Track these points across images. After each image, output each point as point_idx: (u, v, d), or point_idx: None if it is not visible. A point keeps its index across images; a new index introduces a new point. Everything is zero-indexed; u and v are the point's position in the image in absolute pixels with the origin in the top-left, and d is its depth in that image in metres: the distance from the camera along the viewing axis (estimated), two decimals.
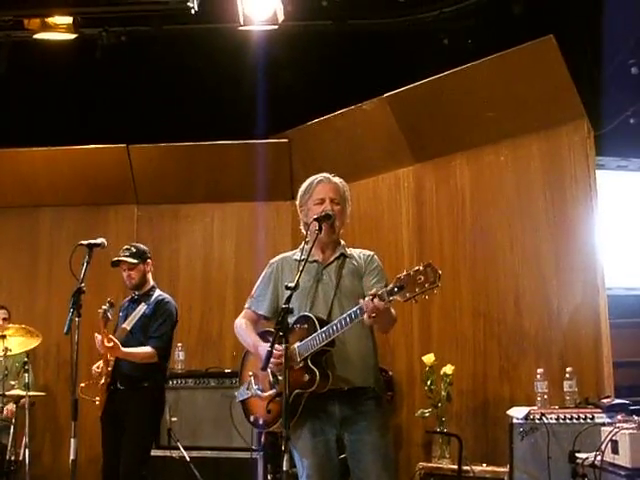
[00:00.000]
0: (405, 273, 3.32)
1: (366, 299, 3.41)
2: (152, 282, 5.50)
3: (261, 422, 3.88)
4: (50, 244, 7.35)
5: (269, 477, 5.78)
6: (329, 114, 6.53)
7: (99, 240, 4.40)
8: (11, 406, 6.09)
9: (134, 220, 7.36)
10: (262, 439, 5.77)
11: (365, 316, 3.42)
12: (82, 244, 4.34)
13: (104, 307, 5.01)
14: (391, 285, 3.38)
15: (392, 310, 3.63)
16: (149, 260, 5.43)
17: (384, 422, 3.81)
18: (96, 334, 4.97)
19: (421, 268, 3.28)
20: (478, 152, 5.85)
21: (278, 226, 7.17)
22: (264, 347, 3.71)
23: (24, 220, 7.44)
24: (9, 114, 7.07)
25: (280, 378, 3.69)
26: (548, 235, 5.42)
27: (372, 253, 3.97)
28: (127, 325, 5.31)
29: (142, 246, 5.51)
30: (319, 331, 3.60)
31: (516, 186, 5.63)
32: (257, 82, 7.02)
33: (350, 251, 3.96)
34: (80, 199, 7.32)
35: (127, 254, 5.31)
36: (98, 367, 5.15)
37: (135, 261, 5.32)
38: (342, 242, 3.96)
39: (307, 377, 3.62)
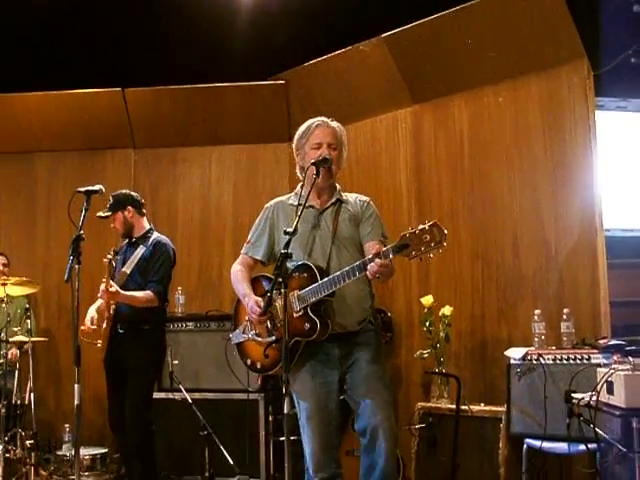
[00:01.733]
0: (410, 231, 3.32)
1: (369, 259, 3.44)
2: (148, 225, 5.51)
3: (259, 366, 3.96)
4: (47, 190, 7.34)
5: (270, 418, 5.88)
6: (326, 55, 6.45)
7: (97, 187, 4.38)
8: (14, 351, 6.16)
9: (131, 164, 7.33)
10: (259, 381, 5.84)
11: (368, 274, 3.46)
12: (80, 191, 4.32)
13: (109, 256, 5.05)
14: (395, 243, 3.39)
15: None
16: (129, 207, 5.41)
17: (378, 346, 3.89)
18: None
19: (427, 227, 3.28)
20: (477, 93, 5.79)
21: (276, 168, 7.15)
22: (252, 300, 3.81)
23: (20, 166, 7.41)
24: (1, 59, 6.97)
25: (278, 325, 3.75)
26: (546, 176, 5.40)
27: (368, 199, 3.98)
28: (127, 269, 5.36)
29: (121, 193, 5.49)
30: (322, 281, 3.65)
31: (515, 127, 5.59)
32: (254, 23, 6.93)
33: (346, 196, 3.97)
34: (76, 144, 7.27)
35: (107, 206, 5.35)
36: (91, 322, 5.19)
37: (108, 213, 5.37)
38: (338, 187, 3.98)
39: (307, 326, 3.69)
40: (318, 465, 3.75)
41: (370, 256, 3.45)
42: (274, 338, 3.79)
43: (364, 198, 3.98)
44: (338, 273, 3.60)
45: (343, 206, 3.92)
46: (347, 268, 3.56)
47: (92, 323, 5.18)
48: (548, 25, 5.23)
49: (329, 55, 6.43)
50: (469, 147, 5.85)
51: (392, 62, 6.05)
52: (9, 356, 6.01)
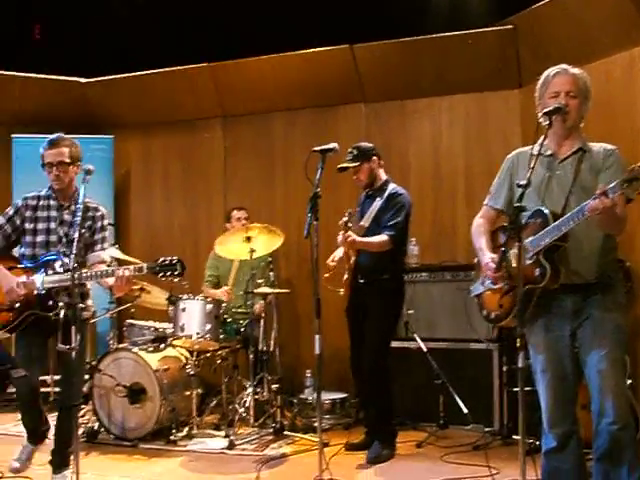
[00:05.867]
0: (639, 165, 3.20)
1: (594, 197, 3.34)
2: (385, 176, 5.63)
3: (493, 317, 3.97)
4: (284, 147, 7.70)
5: (505, 368, 5.89)
6: None
7: (331, 145, 4.53)
8: (260, 307, 6.57)
9: (362, 118, 7.48)
10: (494, 332, 5.84)
11: (587, 211, 3.36)
12: (315, 150, 4.49)
13: (344, 219, 5.24)
14: (621, 178, 3.27)
15: (620, 209, 3.46)
16: (374, 157, 5.54)
17: (615, 303, 3.73)
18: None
19: None
20: None
21: (507, 115, 7.02)
22: (486, 258, 3.84)
23: (259, 126, 7.83)
24: (234, 26, 7.31)
25: (513, 274, 3.74)
26: None
27: (614, 147, 3.79)
28: (365, 222, 5.53)
29: (364, 144, 5.61)
30: (551, 226, 3.59)
31: None
32: None
33: (590, 145, 3.83)
34: (309, 102, 7.56)
35: (349, 158, 5.47)
36: (332, 260, 5.43)
37: (357, 163, 5.47)
38: (583, 135, 3.85)
39: (538, 272, 3.64)
40: (552, 421, 3.73)
41: (596, 194, 3.34)
42: (507, 287, 3.79)
43: (609, 147, 3.80)
44: (567, 215, 3.53)
45: (586, 155, 3.78)
46: (576, 210, 3.48)
47: (333, 260, 5.44)
48: None
49: None
50: None
51: None
52: (256, 311, 6.37)
